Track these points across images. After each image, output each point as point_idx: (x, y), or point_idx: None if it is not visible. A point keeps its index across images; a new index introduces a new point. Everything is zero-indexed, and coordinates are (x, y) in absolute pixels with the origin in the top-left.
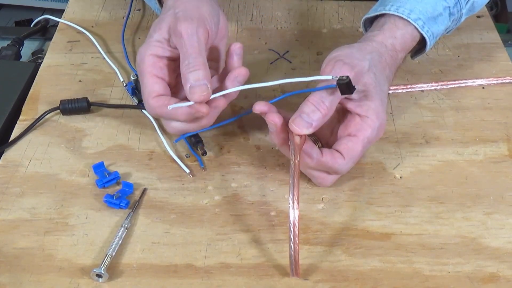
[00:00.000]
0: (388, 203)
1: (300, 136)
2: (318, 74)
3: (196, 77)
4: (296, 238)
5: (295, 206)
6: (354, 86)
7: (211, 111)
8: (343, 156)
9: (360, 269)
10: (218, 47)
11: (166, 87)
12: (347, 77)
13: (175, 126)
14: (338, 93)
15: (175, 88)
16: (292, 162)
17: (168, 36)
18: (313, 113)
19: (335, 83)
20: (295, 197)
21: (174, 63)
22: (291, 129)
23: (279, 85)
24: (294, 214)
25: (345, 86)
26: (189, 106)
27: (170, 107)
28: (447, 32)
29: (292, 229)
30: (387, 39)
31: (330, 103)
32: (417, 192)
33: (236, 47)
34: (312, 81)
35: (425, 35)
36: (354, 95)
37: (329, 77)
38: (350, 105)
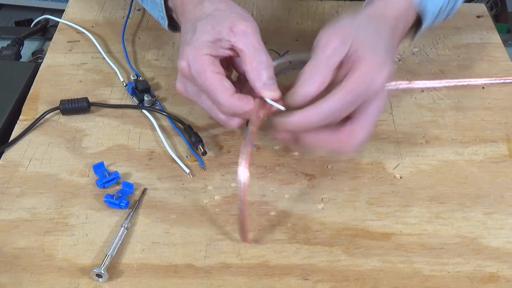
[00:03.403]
0: (388, 203)
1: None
2: None
3: (269, 75)
4: (246, 203)
5: (245, 166)
6: None
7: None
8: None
9: (360, 269)
10: None
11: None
12: None
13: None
14: (331, 60)
15: None
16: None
17: (219, 36)
18: (307, 82)
19: None
20: (246, 157)
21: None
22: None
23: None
24: (243, 175)
25: None
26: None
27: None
28: (446, 17)
29: (242, 192)
30: (378, 2)
31: (322, 74)
32: (417, 192)
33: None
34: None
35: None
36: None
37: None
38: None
